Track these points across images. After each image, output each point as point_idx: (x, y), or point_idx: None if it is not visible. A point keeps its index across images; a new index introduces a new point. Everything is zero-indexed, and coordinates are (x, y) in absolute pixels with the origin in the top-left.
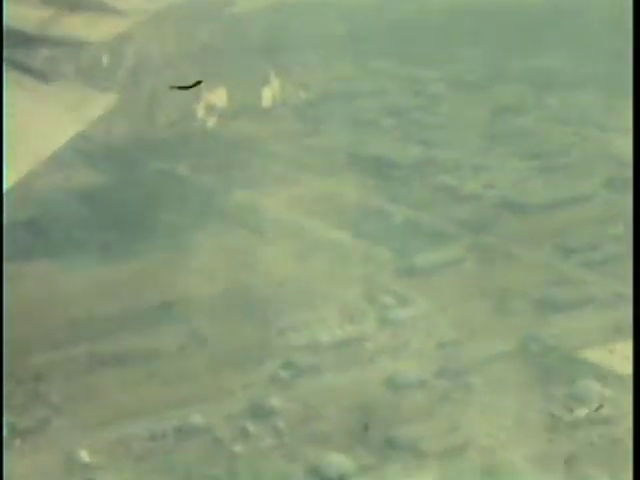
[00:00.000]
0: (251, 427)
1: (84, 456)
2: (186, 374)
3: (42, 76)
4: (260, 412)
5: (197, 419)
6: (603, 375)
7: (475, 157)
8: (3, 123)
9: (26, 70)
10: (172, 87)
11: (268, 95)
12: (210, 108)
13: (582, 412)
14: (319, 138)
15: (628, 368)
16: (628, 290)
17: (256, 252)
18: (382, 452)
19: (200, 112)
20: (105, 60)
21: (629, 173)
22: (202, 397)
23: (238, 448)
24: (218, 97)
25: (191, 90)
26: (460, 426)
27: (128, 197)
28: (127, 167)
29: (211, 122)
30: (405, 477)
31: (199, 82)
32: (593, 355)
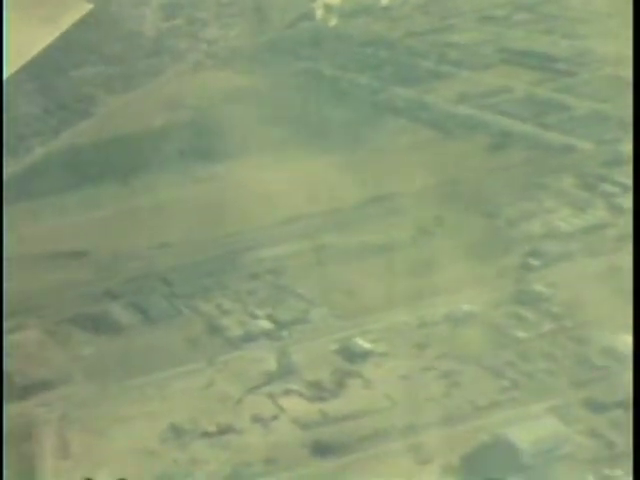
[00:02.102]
0: (525, 313)
1: (362, 343)
2: (428, 264)
3: None
4: (527, 298)
5: (465, 306)
6: None
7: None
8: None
9: None
10: None
11: None
12: (328, 8)
13: None
14: (455, 34)
15: None
16: None
17: (444, 147)
18: None
19: (319, 12)
20: None
21: None
22: (459, 285)
23: (521, 334)
24: None
25: None
26: None
27: (284, 96)
28: (266, 67)
29: (332, 22)
30: None
31: None
32: None
